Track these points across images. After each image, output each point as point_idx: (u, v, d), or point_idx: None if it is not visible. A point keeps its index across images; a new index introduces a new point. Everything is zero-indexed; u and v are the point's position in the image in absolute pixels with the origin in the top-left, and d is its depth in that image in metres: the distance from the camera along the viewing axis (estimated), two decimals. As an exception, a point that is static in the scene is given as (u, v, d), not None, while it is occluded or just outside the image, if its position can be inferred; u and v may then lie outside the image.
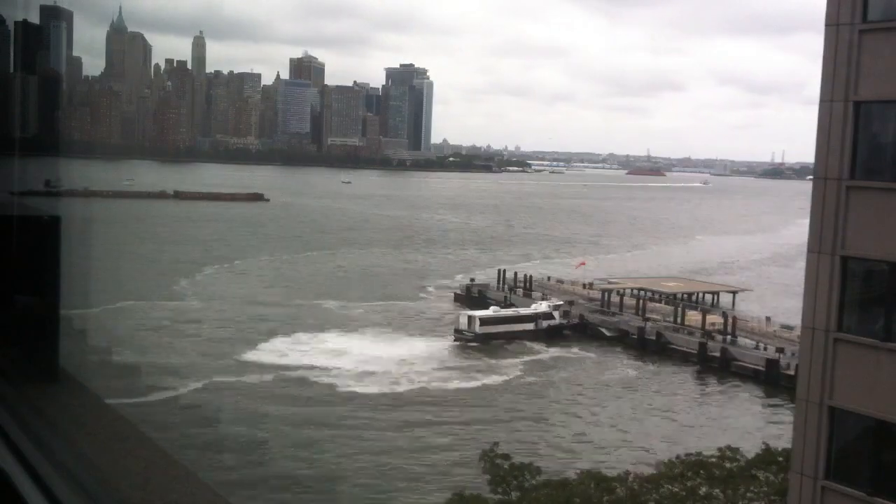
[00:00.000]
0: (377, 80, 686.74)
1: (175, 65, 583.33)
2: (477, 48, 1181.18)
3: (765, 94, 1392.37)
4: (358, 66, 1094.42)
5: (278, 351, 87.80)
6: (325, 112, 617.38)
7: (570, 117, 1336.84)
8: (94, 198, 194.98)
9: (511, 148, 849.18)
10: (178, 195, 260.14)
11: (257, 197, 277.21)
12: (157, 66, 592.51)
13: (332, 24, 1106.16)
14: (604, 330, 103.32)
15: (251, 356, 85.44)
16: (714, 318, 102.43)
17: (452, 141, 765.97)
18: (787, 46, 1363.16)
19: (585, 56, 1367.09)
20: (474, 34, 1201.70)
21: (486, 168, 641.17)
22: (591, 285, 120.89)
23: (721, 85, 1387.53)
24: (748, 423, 73.78)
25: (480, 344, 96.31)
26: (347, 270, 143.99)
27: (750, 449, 43.28)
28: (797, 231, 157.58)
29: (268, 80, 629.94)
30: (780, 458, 38.19)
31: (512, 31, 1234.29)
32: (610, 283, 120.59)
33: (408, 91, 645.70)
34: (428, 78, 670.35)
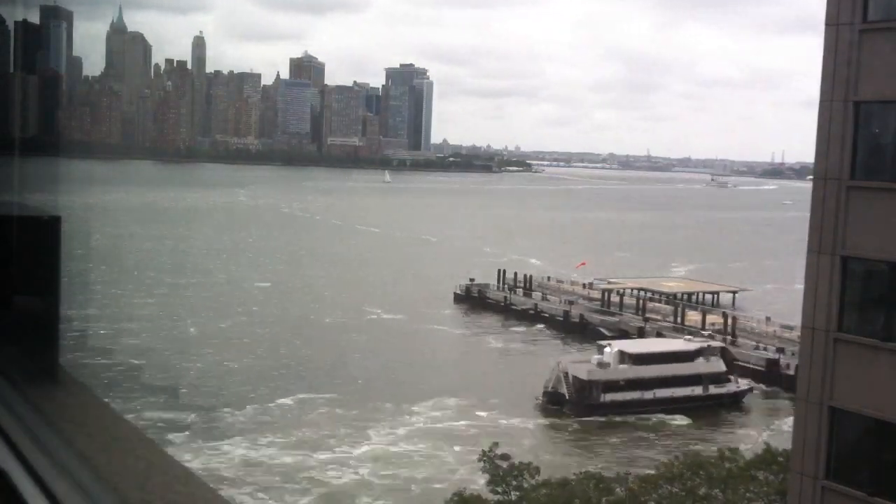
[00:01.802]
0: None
1: (175, 65, 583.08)
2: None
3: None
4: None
5: None
6: (324, 112, 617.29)
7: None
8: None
9: (511, 148, 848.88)
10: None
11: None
12: (157, 66, 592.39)
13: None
14: (603, 330, 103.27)
15: None
16: (714, 318, 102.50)
17: (452, 141, 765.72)
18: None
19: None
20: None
21: (486, 168, 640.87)
22: (590, 285, 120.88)
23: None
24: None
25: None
26: None
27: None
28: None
29: (268, 79, 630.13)
30: (780, 458, 38.16)
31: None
32: (610, 283, 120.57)
33: (408, 91, 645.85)
34: (428, 78, 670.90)
